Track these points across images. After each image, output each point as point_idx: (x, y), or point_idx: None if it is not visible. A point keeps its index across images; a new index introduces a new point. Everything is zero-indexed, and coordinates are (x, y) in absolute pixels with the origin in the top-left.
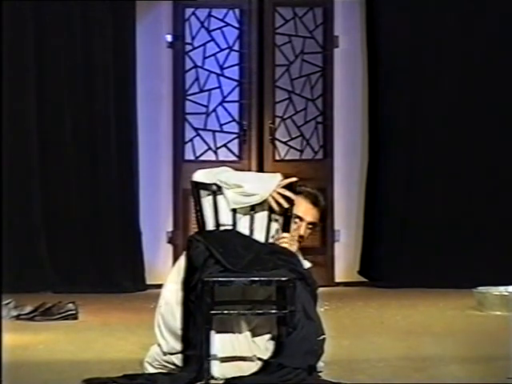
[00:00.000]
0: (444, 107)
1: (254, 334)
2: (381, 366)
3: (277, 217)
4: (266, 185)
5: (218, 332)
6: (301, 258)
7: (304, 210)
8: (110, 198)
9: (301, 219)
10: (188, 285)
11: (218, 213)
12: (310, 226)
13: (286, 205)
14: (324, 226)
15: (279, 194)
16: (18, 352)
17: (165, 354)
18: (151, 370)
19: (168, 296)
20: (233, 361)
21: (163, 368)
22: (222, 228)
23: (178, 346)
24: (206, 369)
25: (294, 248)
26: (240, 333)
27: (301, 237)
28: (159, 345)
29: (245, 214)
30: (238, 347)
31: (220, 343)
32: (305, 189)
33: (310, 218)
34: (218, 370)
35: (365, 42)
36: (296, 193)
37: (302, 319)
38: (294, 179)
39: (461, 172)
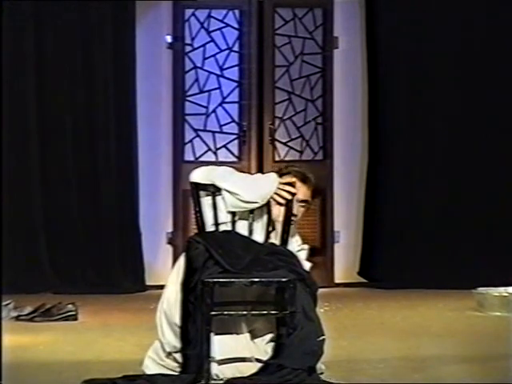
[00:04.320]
0: (444, 107)
1: (255, 336)
2: (381, 367)
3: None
4: (263, 191)
5: (217, 334)
6: (299, 240)
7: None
8: (110, 199)
9: None
10: (187, 286)
11: (218, 213)
12: (303, 204)
13: (289, 196)
14: (324, 226)
15: (280, 189)
16: (18, 353)
17: (169, 354)
18: (152, 367)
19: (170, 294)
20: (231, 362)
21: (164, 366)
22: (221, 228)
23: (180, 344)
24: (205, 369)
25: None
26: (239, 334)
27: (294, 215)
28: (161, 343)
29: (244, 215)
30: (237, 348)
31: (219, 345)
32: (292, 168)
33: (301, 196)
34: (216, 369)
35: (364, 43)
36: (284, 174)
37: (301, 320)
38: (292, 180)
39: (461, 172)
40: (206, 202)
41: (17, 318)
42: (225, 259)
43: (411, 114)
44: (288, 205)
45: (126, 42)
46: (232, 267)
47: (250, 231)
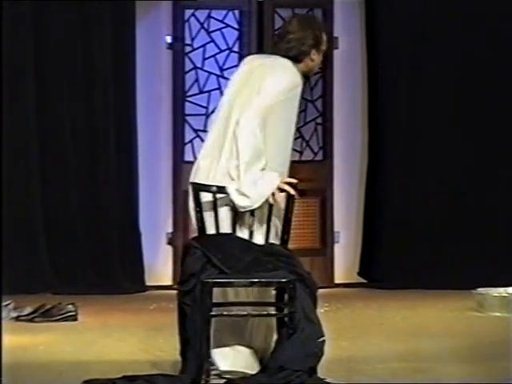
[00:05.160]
0: (444, 107)
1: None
2: (380, 367)
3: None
4: (263, 189)
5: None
6: None
7: (324, 39)
8: (110, 199)
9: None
10: (183, 289)
11: (218, 215)
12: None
13: (291, 191)
14: (324, 226)
15: (279, 188)
16: (18, 353)
17: None
18: None
19: None
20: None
21: None
22: (221, 230)
23: None
24: (205, 370)
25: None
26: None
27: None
28: None
29: (244, 216)
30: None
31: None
32: (316, 21)
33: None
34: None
35: (364, 43)
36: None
37: (302, 321)
38: (294, 181)
39: (461, 172)
40: (207, 202)
41: (17, 319)
42: (224, 264)
43: (411, 113)
44: (288, 204)
45: (126, 42)
46: (230, 270)
47: (251, 232)
